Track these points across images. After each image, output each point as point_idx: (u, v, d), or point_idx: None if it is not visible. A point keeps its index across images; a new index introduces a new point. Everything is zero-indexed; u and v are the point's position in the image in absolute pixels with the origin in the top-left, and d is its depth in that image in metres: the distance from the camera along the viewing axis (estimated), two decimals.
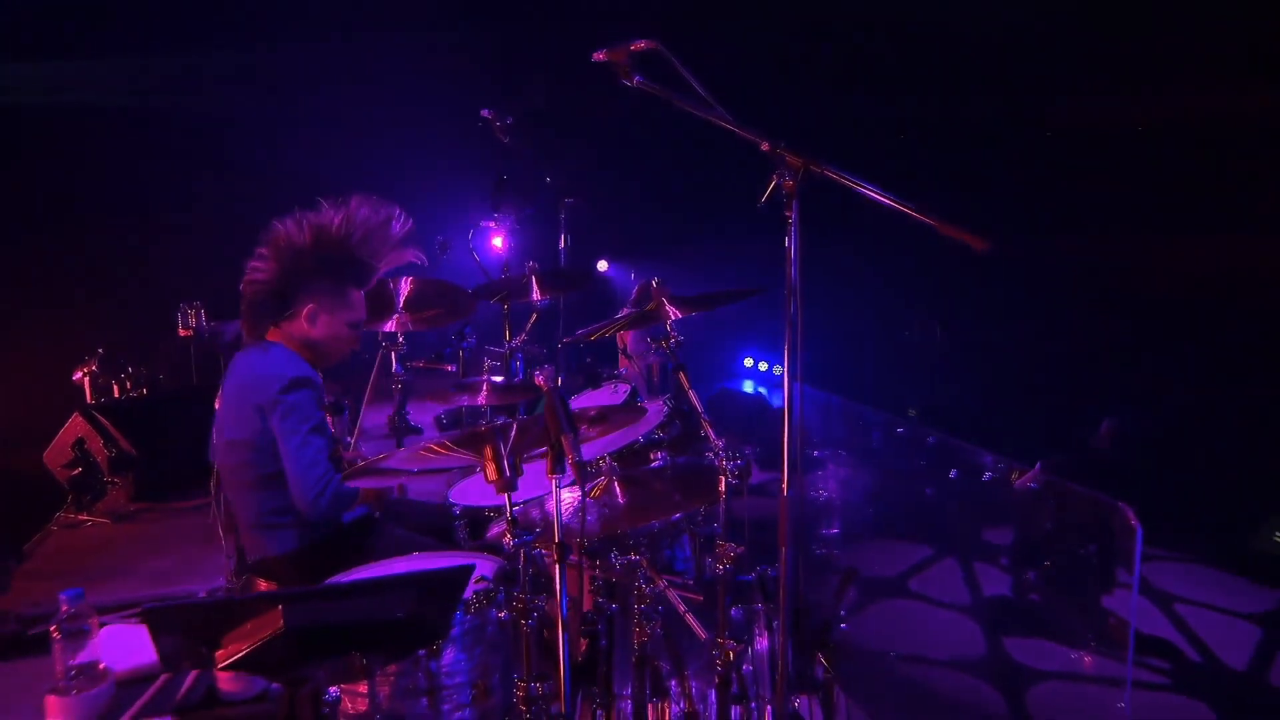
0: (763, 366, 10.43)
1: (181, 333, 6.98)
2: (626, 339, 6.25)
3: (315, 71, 7.54)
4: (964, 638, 5.24)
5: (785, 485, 2.20)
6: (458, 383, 4.03)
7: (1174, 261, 9.23)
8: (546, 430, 1.88)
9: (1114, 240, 9.29)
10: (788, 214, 2.23)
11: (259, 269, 2.93)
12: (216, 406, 3.08)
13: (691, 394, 2.58)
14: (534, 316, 4.31)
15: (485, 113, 4.10)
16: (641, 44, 2.58)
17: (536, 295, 4.00)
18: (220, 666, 1.92)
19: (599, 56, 2.72)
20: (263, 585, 3.01)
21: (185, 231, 7.98)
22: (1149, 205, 9.27)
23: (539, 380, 1.86)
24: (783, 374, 2.09)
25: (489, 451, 2.13)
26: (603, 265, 8.98)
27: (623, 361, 5.61)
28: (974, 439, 7.36)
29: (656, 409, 3.20)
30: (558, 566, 1.88)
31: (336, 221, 2.92)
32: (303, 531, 2.88)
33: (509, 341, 4.31)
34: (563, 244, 4.50)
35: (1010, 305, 9.33)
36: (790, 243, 2.23)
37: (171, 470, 6.14)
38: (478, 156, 7.09)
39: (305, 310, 2.92)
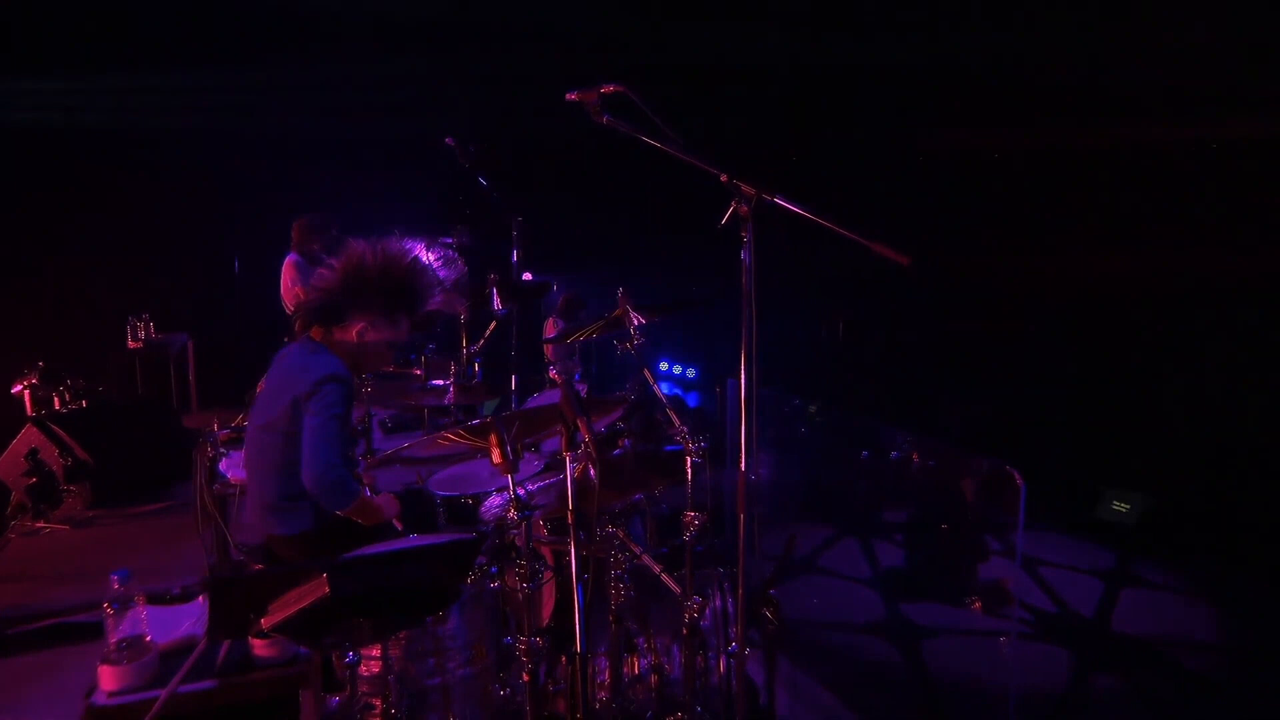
0: (677, 370, 10.77)
1: (131, 345, 6.82)
2: (549, 350, 6.44)
3: (265, 91, 7.43)
4: (866, 605, 5.61)
5: (743, 463, 2.46)
6: (423, 385, 4.14)
7: (1030, 270, 10.04)
8: (557, 415, 2.07)
9: (981, 253, 10.05)
10: (744, 234, 2.49)
11: (326, 277, 3.00)
12: (258, 390, 3.16)
13: (656, 388, 2.81)
14: (493, 325, 4.46)
15: (449, 140, 4.19)
16: (610, 87, 2.79)
17: (497, 305, 4.15)
18: (268, 630, 2.03)
19: (571, 96, 2.91)
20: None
21: (132, 247, 7.78)
22: (1009, 221, 10.07)
23: (553, 375, 2.05)
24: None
25: (494, 439, 2.32)
26: (526, 275, 9.14)
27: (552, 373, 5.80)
28: (877, 422, 7.81)
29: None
30: (573, 533, 2.07)
31: (408, 258, 3.02)
32: (312, 516, 2.96)
33: (467, 347, 4.44)
34: (515, 258, 4.64)
35: (896, 307, 9.95)
36: (746, 257, 2.48)
37: (127, 477, 5.99)
38: (432, 177, 7.15)
39: (357, 326, 3.00)
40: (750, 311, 2.50)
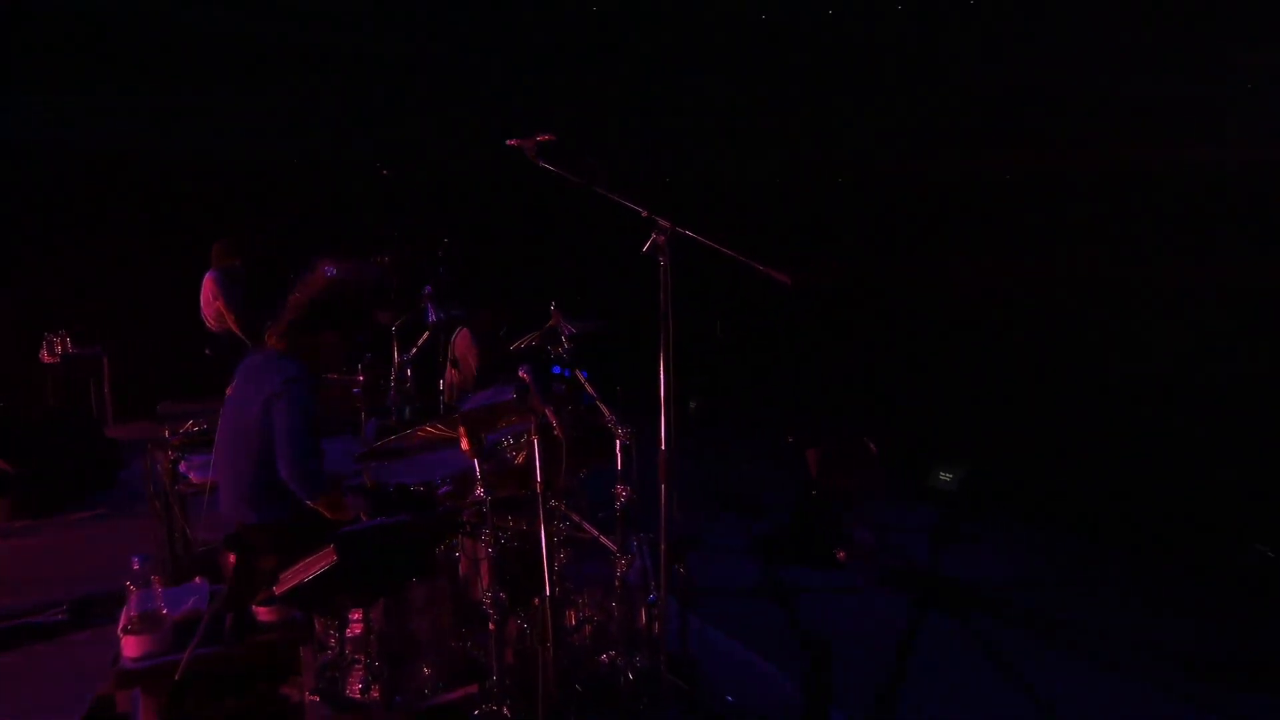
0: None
1: (46, 359, 6.51)
2: (457, 349, 6.62)
3: (183, 114, 7.23)
4: (747, 572, 6.09)
5: (663, 442, 2.85)
6: (364, 389, 4.30)
7: (874, 281, 10.98)
8: (521, 407, 2.38)
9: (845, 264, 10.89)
10: (661, 260, 2.86)
11: (299, 297, 3.16)
12: (228, 394, 3.20)
13: (588, 386, 3.15)
14: (425, 335, 4.65)
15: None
16: (545, 136, 3.12)
17: (432, 316, 4.36)
18: (279, 595, 2.25)
19: (511, 143, 3.21)
20: (231, 559, 3.18)
21: (45, 264, 7.38)
22: (874, 237, 10.99)
23: (521, 374, 2.36)
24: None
25: (463, 430, 2.61)
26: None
27: (450, 372, 5.97)
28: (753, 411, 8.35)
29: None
30: (541, 505, 2.39)
31: (368, 276, 3.21)
32: (284, 507, 3.07)
33: (400, 356, 4.61)
34: (441, 273, 4.82)
35: (764, 311, 10.62)
36: (664, 279, 2.86)
37: (48, 487, 5.75)
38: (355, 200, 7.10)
39: (327, 336, 3.16)
40: (668, 321, 2.89)
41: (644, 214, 2.89)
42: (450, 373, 5.93)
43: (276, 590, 2.26)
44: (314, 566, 2.23)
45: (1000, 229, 10.89)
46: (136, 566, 2.33)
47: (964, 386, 9.77)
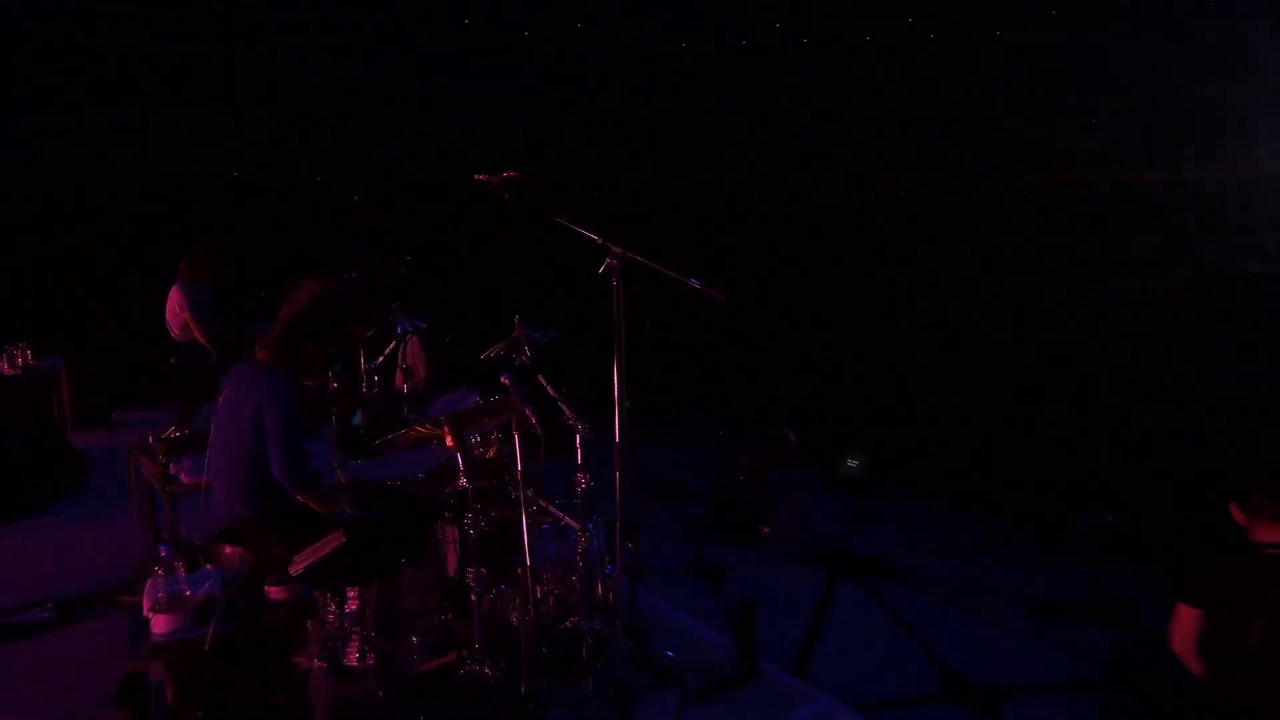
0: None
1: (6, 371, 6.32)
2: (407, 357, 6.75)
3: (137, 130, 7.09)
4: (683, 551, 6.44)
5: (617, 436, 3.15)
6: (336, 393, 4.45)
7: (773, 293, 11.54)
8: (504, 407, 2.65)
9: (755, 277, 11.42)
10: (615, 280, 3.15)
11: (288, 312, 3.24)
12: (219, 402, 3.27)
13: (549, 388, 3.42)
14: (392, 344, 4.82)
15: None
16: (510, 173, 3.38)
17: (400, 328, 4.53)
18: (294, 575, 2.45)
19: (480, 177, 3.44)
20: (226, 550, 3.31)
21: (5, 278, 7.13)
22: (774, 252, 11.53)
23: (504, 380, 2.63)
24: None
25: (447, 429, 2.85)
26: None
27: (400, 376, 6.11)
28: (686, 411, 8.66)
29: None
30: (521, 492, 2.65)
31: (349, 291, 3.34)
32: (273, 501, 3.13)
33: (365, 364, 4.78)
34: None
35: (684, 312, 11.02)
36: (616, 297, 3.15)
37: (15, 493, 5.62)
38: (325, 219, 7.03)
39: (308, 346, 3.27)
40: (620, 333, 3.18)
41: (599, 241, 3.18)
42: (399, 376, 6.08)
43: (291, 570, 2.45)
44: (325, 548, 2.44)
45: (896, 243, 11.63)
46: (164, 554, 2.49)
47: (867, 384, 10.41)
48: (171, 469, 3.77)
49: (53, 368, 6.99)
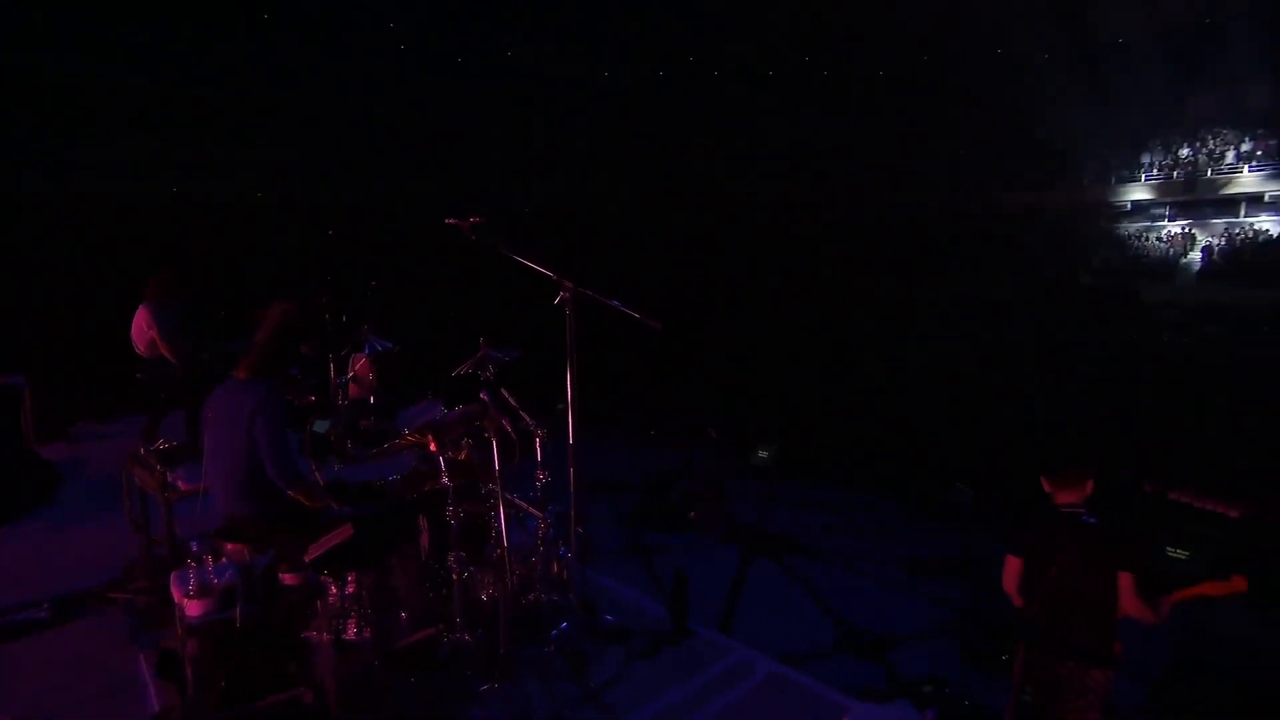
0: None
1: None
2: (356, 369, 6.92)
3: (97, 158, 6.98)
4: (620, 537, 6.88)
5: (571, 438, 3.55)
6: (314, 406, 4.67)
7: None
8: (482, 417, 3.01)
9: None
10: (567, 311, 3.53)
11: (264, 333, 3.37)
12: (209, 417, 3.38)
13: (511, 400, 3.78)
14: (361, 361, 5.04)
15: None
16: (476, 218, 3.71)
17: (367, 349, 4.76)
18: (309, 561, 2.75)
19: (449, 221, 3.76)
20: (229, 546, 3.52)
21: None
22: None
23: (483, 396, 2.98)
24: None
25: (430, 436, 3.19)
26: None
27: (353, 387, 6.30)
28: (619, 413, 9.09)
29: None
30: (499, 488, 3.02)
31: (312, 312, 3.52)
32: (269, 499, 3.32)
33: (336, 379, 4.98)
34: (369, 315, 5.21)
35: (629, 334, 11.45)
36: (569, 324, 3.53)
37: None
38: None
39: (286, 365, 3.51)
40: (573, 353, 3.57)
41: (554, 276, 3.55)
42: (352, 387, 6.26)
43: (306, 558, 2.75)
44: (334, 539, 2.75)
45: (793, 262, 12.46)
46: (195, 548, 2.73)
47: (772, 385, 11.13)
48: (169, 477, 3.92)
49: (16, 384, 6.83)
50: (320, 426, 5.14)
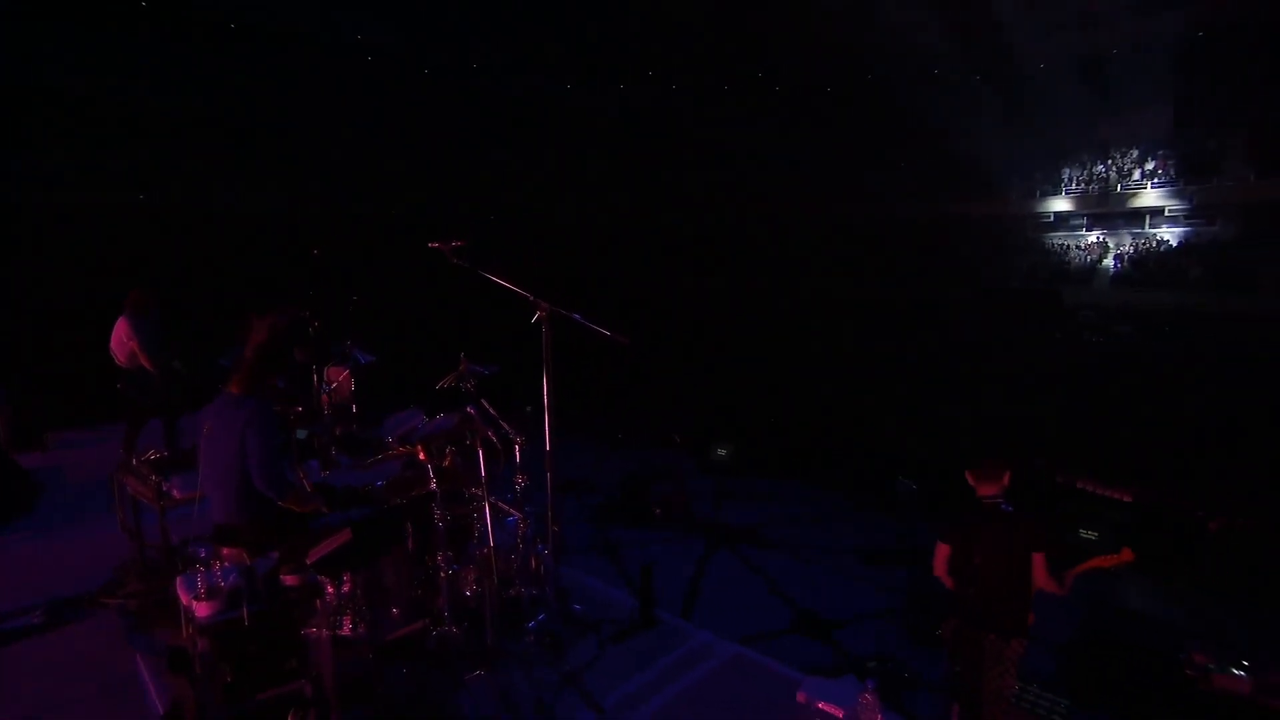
0: None
1: None
2: (339, 380, 6.94)
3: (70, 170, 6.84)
4: (585, 535, 7.03)
5: (548, 444, 3.73)
6: (301, 416, 4.75)
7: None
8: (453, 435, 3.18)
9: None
10: (545, 329, 3.70)
11: (249, 350, 3.42)
12: (204, 431, 3.43)
13: (490, 411, 3.94)
14: (345, 373, 5.12)
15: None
16: (458, 241, 3.86)
17: (349, 361, 4.86)
18: (311, 564, 2.88)
19: (432, 245, 3.88)
20: (225, 551, 3.60)
21: None
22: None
23: (470, 410, 3.14)
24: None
25: (420, 446, 3.34)
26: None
27: (325, 398, 6.36)
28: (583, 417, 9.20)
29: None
30: (485, 493, 3.19)
31: (297, 326, 3.60)
32: (262, 507, 3.41)
33: (320, 388, 5.06)
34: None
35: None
36: (545, 341, 3.70)
37: None
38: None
39: (274, 377, 3.57)
40: (549, 367, 3.75)
41: (530, 297, 3.72)
42: (324, 399, 6.32)
43: (308, 560, 2.87)
44: (335, 543, 2.88)
45: (746, 269, 12.81)
46: (203, 554, 2.83)
47: (728, 388, 11.44)
48: (164, 486, 3.98)
49: None
50: (302, 434, 5.22)
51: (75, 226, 7.52)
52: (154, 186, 7.43)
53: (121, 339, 6.18)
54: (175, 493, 3.96)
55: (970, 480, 3.63)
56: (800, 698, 3.28)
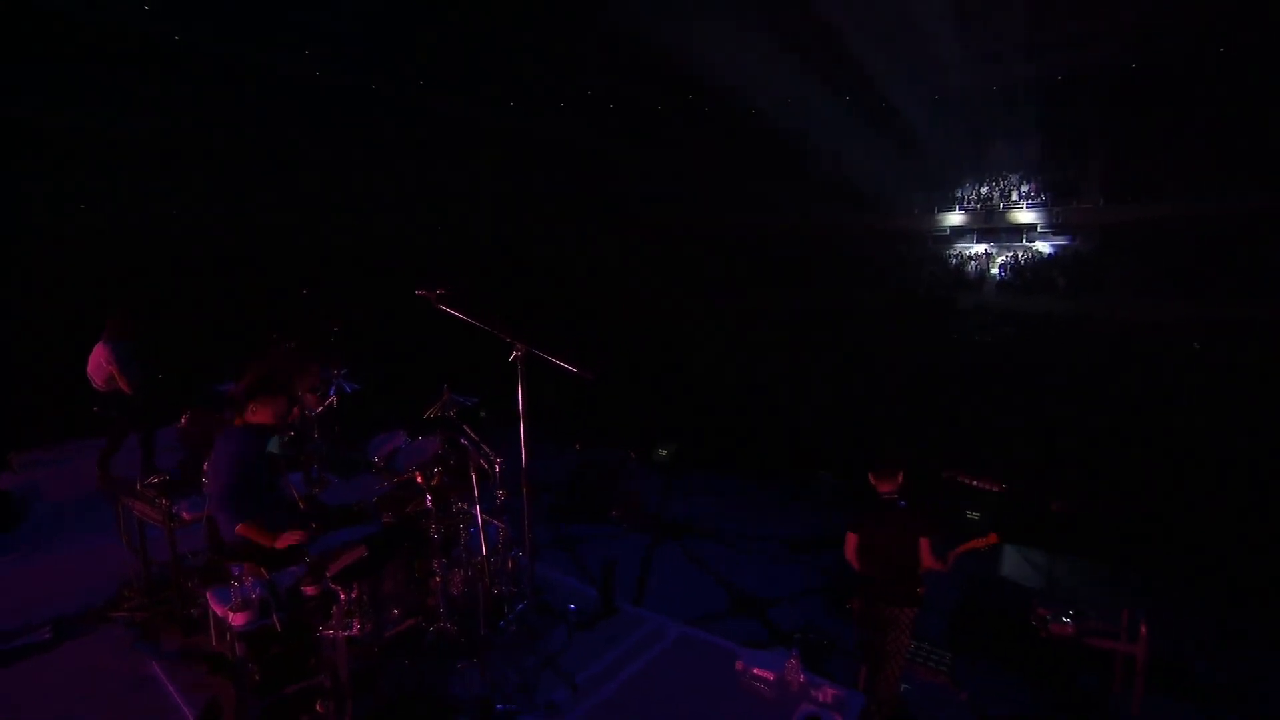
0: None
1: None
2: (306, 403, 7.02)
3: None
4: (544, 532, 7.39)
5: (524, 460, 4.13)
6: (294, 439, 4.97)
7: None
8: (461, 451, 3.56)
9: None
10: (521, 366, 4.06)
11: (250, 379, 3.62)
12: (211, 458, 3.64)
13: (471, 433, 4.30)
14: (332, 399, 5.34)
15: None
16: (442, 289, 4.17)
17: (333, 390, 5.10)
18: (331, 576, 3.21)
19: (419, 292, 4.17)
20: (234, 567, 3.85)
21: None
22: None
23: (462, 441, 3.52)
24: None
25: (418, 472, 3.70)
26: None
27: (296, 411, 6.52)
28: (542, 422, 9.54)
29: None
30: (477, 502, 3.58)
31: (288, 359, 3.84)
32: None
33: (309, 412, 5.28)
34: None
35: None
36: (521, 378, 4.06)
37: None
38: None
39: (274, 405, 3.80)
40: (525, 398, 4.11)
41: (508, 338, 4.08)
42: (295, 411, 6.50)
43: (329, 574, 3.19)
44: (351, 557, 3.21)
45: (678, 286, 13.36)
46: (237, 571, 3.11)
47: (669, 393, 11.95)
48: (174, 509, 4.15)
49: None
50: (273, 445, 5.41)
51: (33, 250, 7.33)
52: (116, 210, 7.31)
53: (100, 363, 6.16)
54: (184, 514, 4.15)
55: (872, 480, 4.27)
56: (738, 666, 3.81)
